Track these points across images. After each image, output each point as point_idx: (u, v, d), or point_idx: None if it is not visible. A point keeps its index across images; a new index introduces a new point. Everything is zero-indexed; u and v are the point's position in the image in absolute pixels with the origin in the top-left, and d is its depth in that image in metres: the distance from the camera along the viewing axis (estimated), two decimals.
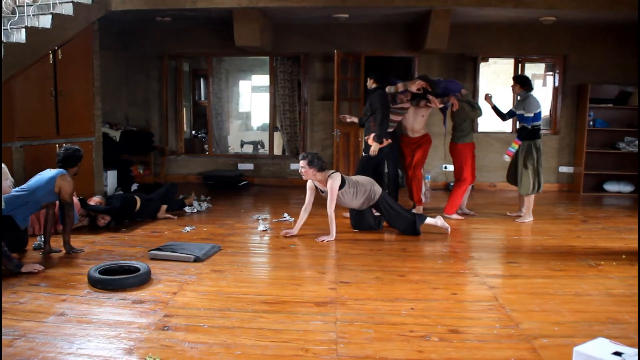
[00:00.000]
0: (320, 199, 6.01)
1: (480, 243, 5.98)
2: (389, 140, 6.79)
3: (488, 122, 9.26)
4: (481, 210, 7.56)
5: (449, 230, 6.16)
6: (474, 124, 9.48)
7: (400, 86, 6.92)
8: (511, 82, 7.08)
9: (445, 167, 9.55)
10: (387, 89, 6.89)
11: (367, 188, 5.95)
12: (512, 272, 4.85)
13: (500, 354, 3.16)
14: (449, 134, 7.24)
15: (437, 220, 6.15)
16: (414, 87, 6.89)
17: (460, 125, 7.02)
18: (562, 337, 3.37)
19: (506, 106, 7.51)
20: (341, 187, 5.79)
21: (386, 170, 7.35)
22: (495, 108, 7.18)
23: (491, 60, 10.12)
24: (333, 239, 5.78)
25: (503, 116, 7.19)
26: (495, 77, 11.23)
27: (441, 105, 7.01)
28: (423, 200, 7.27)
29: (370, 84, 6.93)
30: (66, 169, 5.22)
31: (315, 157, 5.76)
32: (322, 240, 5.73)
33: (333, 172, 5.83)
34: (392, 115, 6.99)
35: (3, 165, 4.57)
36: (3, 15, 6.42)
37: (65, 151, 5.28)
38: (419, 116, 7.14)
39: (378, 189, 6.03)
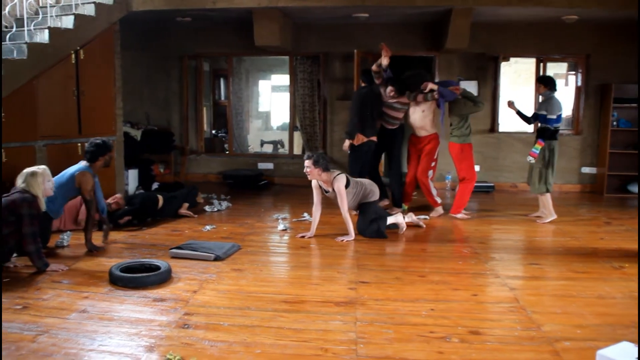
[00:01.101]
0: (325, 198, 6.02)
1: (501, 244, 5.93)
2: (370, 138, 7.06)
3: (509, 122, 9.19)
4: (502, 211, 7.50)
5: (403, 230, 6.13)
6: (494, 124, 9.42)
7: (374, 67, 7.09)
8: (533, 82, 7.01)
9: None
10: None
11: (367, 188, 6.04)
12: (534, 273, 4.80)
13: (521, 356, 3.12)
14: (451, 133, 7.10)
15: (397, 217, 6.16)
16: (383, 59, 6.97)
17: (460, 122, 6.93)
18: (585, 340, 3.33)
19: (528, 106, 7.45)
20: (345, 187, 5.82)
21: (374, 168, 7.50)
22: (519, 113, 7.12)
23: (512, 59, 10.03)
24: (352, 238, 5.78)
25: (528, 120, 7.11)
26: (516, 77, 11.13)
27: (434, 87, 6.93)
28: (439, 201, 7.19)
29: (360, 83, 7.27)
30: (92, 163, 5.36)
31: (321, 157, 5.78)
32: (342, 240, 5.73)
33: (338, 174, 5.84)
34: (391, 111, 7.19)
35: (45, 167, 4.73)
36: (27, 16, 6.50)
37: (88, 145, 5.43)
38: (418, 111, 7.09)
39: (377, 192, 6.14)
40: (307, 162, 5.77)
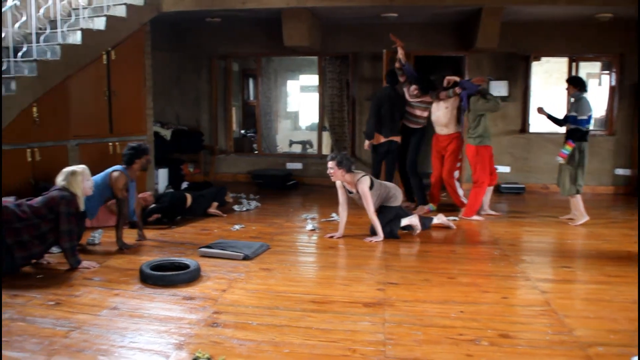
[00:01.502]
0: (351, 198, 5.97)
1: (532, 246, 5.85)
2: (390, 138, 7.31)
3: (540, 123, 9.06)
4: (533, 213, 7.39)
5: (418, 231, 6.06)
6: (524, 124, 9.30)
7: (396, 64, 7.40)
8: (564, 82, 6.90)
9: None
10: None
11: (390, 192, 5.97)
12: (565, 277, 4.72)
13: None
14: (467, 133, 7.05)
15: (412, 219, 6.06)
16: (399, 53, 7.32)
17: (475, 121, 6.86)
18: (619, 345, 3.26)
19: (559, 106, 7.31)
20: (370, 188, 5.76)
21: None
22: (550, 117, 7.01)
23: (543, 59, 9.89)
24: (381, 239, 5.75)
25: (560, 123, 6.99)
26: (547, 77, 10.97)
27: (456, 78, 7.02)
28: (465, 201, 7.10)
29: (384, 83, 7.54)
30: (128, 166, 5.49)
31: (344, 157, 5.73)
32: (371, 241, 5.71)
33: (362, 176, 5.77)
34: (413, 110, 7.31)
35: (85, 166, 4.84)
36: (60, 18, 6.62)
37: (125, 149, 5.56)
38: (442, 108, 7.10)
39: (399, 197, 6.06)
40: (330, 163, 5.73)
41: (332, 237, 5.89)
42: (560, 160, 6.63)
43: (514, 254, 5.35)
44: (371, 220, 5.82)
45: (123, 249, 5.33)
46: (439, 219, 6.38)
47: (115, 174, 5.38)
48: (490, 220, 6.89)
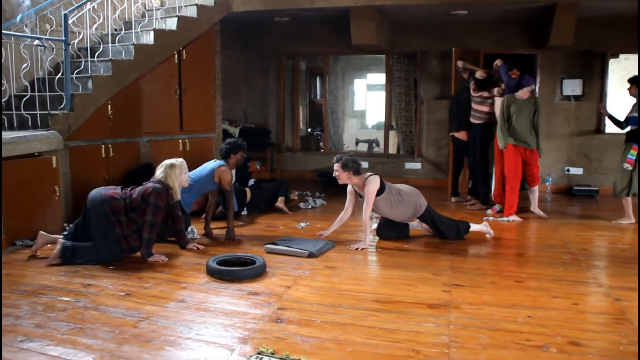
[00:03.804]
0: (359, 204, 5.74)
1: (605, 251, 5.63)
2: (459, 133, 7.72)
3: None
4: (607, 217, 7.07)
5: (490, 236, 5.84)
6: (600, 124, 8.95)
7: (459, 63, 7.79)
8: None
9: (568, 170, 9.06)
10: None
11: (411, 200, 5.58)
12: None
13: None
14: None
15: (482, 227, 5.84)
16: (479, 73, 7.37)
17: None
18: None
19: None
20: (380, 192, 5.45)
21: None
22: (611, 117, 6.81)
23: (622, 56, 9.47)
24: (366, 246, 5.43)
25: (621, 124, 6.75)
26: (625, 74, 10.47)
27: (499, 62, 7.00)
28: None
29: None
30: (225, 160, 5.78)
31: (350, 160, 5.40)
32: (357, 249, 5.36)
33: (371, 175, 5.48)
34: (477, 105, 7.37)
35: (182, 160, 5.07)
36: (134, 19, 6.84)
37: (223, 144, 5.91)
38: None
39: (423, 202, 5.64)
40: (335, 166, 5.41)
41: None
42: (628, 167, 6.38)
43: (585, 259, 5.14)
44: (363, 224, 5.49)
45: (231, 239, 5.59)
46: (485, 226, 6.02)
47: (223, 167, 5.66)
48: (558, 224, 6.62)
